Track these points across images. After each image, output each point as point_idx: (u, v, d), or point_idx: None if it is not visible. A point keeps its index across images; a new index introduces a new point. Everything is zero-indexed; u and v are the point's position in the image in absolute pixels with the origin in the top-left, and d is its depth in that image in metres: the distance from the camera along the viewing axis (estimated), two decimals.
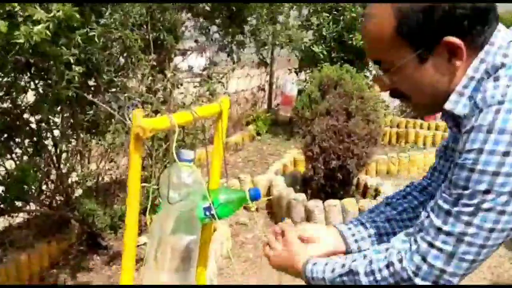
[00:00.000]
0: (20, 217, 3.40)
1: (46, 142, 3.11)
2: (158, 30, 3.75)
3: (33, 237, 3.30)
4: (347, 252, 1.28)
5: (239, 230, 3.78)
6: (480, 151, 0.87)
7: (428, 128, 6.22)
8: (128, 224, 1.23)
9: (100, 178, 3.63)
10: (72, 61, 2.59)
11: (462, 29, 0.93)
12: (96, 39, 2.77)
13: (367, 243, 1.27)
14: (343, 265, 1.07)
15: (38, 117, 3.05)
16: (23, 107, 3.08)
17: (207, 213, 1.39)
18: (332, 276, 1.08)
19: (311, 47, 5.69)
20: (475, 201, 0.88)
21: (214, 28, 5.40)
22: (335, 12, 5.71)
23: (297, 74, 6.53)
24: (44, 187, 3.45)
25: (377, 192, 3.92)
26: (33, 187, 3.29)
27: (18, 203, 2.77)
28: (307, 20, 5.98)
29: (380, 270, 1.00)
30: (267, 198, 4.03)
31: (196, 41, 5.31)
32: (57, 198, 3.45)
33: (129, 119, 3.46)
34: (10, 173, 2.44)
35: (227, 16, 4.81)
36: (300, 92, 5.82)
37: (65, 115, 3.31)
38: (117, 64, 3.40)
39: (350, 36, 5.53)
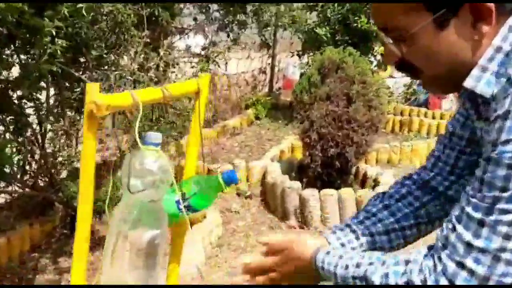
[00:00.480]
0: (1, 197, 3.27)
1: (30, 119, 2.95)
2: (153, 5, 3.57)
3: (15, 219, 3.16)
4: None
5: (230, 218, 3.64)
6: None
7: (433, 117, 6.04)
8: (79, 217, 1.07)
9: None
10: (54, 33, 2.42)
11: None
12: (84, 12, 2.60)
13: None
14: (358, 265, 0.91)
15: (20, 93, 2.89)
16: (7, 82, 2.92)
17: (180, 206, 1.22)
18: (344, 273, 0.93)
19: (315, 29, 5.49)
20: None
21: (214, 6, 5.21)
22: None
23: (299, 57, 6.33)
24: (27, 167, 3.31)
25: (376, 182, 3.75)
26: (14, 166, 3.15)
27: None
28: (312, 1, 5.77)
29: (397, 285, 0.84)
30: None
31: (195, 19, 5.13)
32: (41, 179, 3.31)
33: None
34: None
35: None
36: (302, 75, 5.63)
37: (51, 92, 3.16)
38: (109, 41, 3.23)
39: (355, 18, 5.32)
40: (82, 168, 1.03)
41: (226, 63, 5.54)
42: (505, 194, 0.71)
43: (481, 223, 0.74)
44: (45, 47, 2.45)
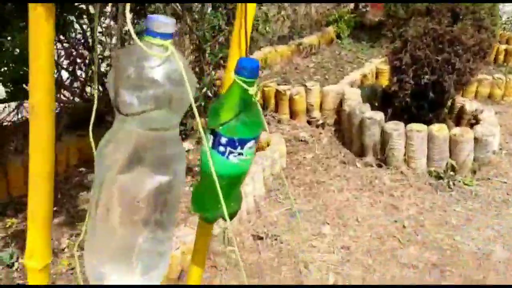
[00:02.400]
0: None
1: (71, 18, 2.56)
2: None
3: (63, 130, 2.89)
4: None
5: (297, 148, 3.19)
6: None
7: None
8: (32, 140, 0.66)
9: None
10: None
11: None
12: None
13: None
14: None
15: None
16: None
17: (222, 149, 0.78)
18: None
19: None
20: None
21: None
22: None
23: None
24: (79, 72, 3.01)
25: (476, 120, 3.13)
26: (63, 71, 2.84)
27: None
28: None
29: None
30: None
31: None
32: (90, 86, 3.00)
33: None
34: (6, 49, 1.94)
35: None
36: None
37: None
38: None
39: None
40: (31, 62, 0.60)
41: None
42: None
43: None
44: None
